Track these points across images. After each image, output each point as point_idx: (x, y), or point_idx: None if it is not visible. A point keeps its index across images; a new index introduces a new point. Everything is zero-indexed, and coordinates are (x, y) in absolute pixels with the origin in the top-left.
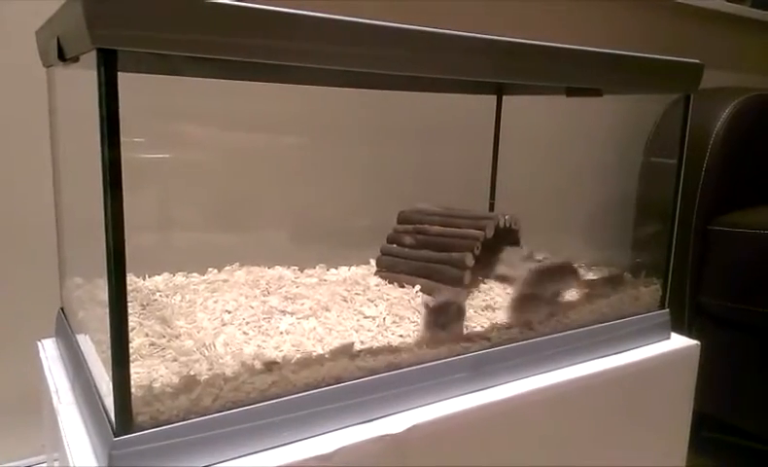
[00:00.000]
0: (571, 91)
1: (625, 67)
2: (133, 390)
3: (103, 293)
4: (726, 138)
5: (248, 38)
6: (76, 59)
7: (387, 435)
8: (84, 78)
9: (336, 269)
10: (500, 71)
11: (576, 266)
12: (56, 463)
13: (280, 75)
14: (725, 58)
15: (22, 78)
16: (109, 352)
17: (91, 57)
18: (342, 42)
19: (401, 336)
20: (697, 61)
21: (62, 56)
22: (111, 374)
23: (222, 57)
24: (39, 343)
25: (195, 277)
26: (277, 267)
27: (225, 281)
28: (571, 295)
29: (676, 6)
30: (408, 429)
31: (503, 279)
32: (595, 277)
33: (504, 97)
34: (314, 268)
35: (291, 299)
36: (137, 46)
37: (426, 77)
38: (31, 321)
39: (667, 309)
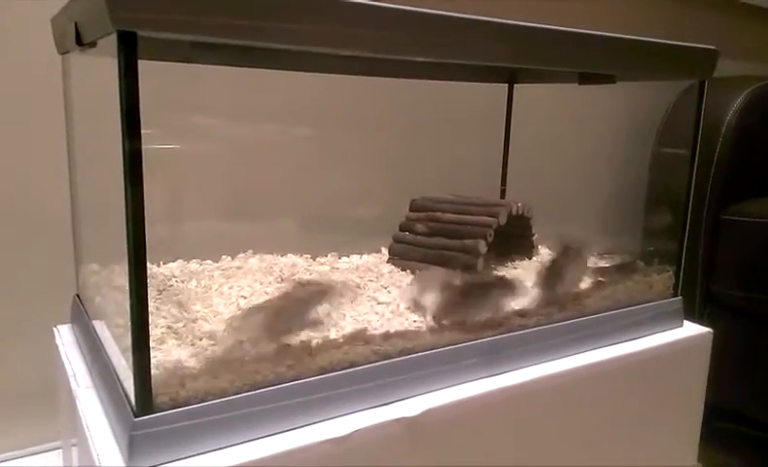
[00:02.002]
0: (584, 79)
1: (640, 53)
2: (153, 372)
3: (121, 278)
4: (738, 127)
5: (271, 21)
6: (93, 45)
7: (402, 418)
8: (101, 63)
9: (348, 257)
10: (514, 56)
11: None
12: (74, 448)
13: (293, 63)
14: (737, 47)
15: (36, 68)
16: (129, 335)
17: (110, 42)
18: (358, 25)
19: (414, 321)
20: (712, 47)
21: (80, 42)
22: (131, 356)
23: (244, 42)
24: (55, 329)
25: (210, 264)
26: (289, 254)
27: (239, 268)
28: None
29: None
30: (423, 413)
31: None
32: (608, 265)
33: (515, 86)
34: (326, 256)
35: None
36: (158, 29)
37: (440, 62)
38: (47, 307)
39: (680, 297)
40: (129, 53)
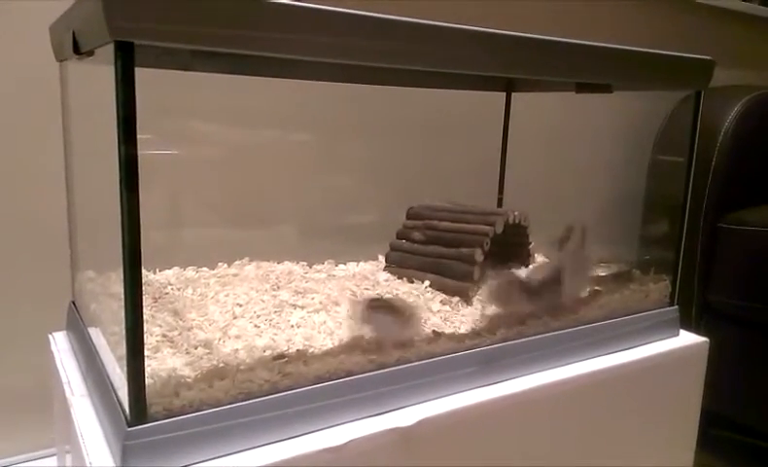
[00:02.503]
0: (581, 88)
1: (637, 63)
2: (147, 381)
3: (117, 286)
4: (735, 135)
5: (267, 32)
6: (91, 53)
7: (397, 428)
8: (98, 72)
9: (345, 264)
10: (511, 66)
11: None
12: (68, 455)
13: (289, 71)
14: (735, 57)
15: (34, 74)
16: (123, 344)
17: (107, 51)
18: (355, 36)
19: None
20: (708, 58)
21: (77, 50)
22: (125, 365)
23: (239, 52)
24: (50, 336)
25: (206, 271)
26: (286, 262)
27: (235, 275)
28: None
29: (685, 4)
30: (418, 422)
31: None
32: (604, 273)
33: (513, 94)
34: (323, 263)
35: (301, 293)
36: (155, 39)
37: (438, 72)
38: (42, 314)
39: (676, 306)
40: (127, 62)
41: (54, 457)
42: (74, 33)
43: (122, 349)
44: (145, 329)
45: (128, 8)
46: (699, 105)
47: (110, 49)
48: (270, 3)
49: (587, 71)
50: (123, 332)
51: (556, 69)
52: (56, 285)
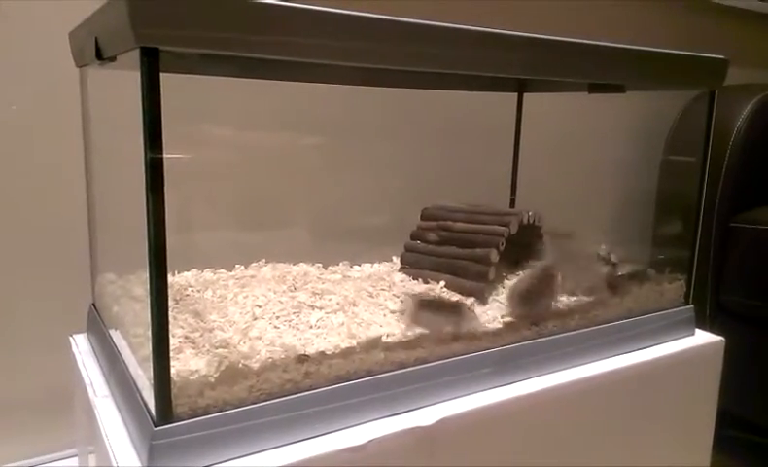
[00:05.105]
0: (593, 88)
1: (650, 63)
2: (172, 381)
3: (139, 288)
4: (748, 134)
5: (290, 36)
6: (113, 59)
7: (417, 427)
8: (121, 77)
9: (360, 265)
10: (523, 67)
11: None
12: (91, 455)
13: (303, 73)
14: (747, 56)
15: (53, 78)
16: (148, 345)
17: (130, 57)
18: (370, 39)
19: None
20: (722, 57)
21: (100, 56)
22: (151, 365)
23: (265, 57)
24: (71, 339)
25: (224, 273)
26: (301, 263)
27: (252, 277)
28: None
29: (698, 3)
30: (438, 422)
31: None
32: (619, 273)
33: (525, 95)
34: (337, 264)
35: (318, 294)
36: (180, 45)
37: (451, 73)
38: (62, 317)
39: (691, 305)
40: (152, 67)
41: (75, 459)
42: (96, 39)
43: (147, 350)
44: None
45: (154, 14)
46: (713, 104)
47: (134, 54)
48: (297, 8)
49: (601, 71)
50: (148, 333)
51: (570, 70)
52: (76, 288)
